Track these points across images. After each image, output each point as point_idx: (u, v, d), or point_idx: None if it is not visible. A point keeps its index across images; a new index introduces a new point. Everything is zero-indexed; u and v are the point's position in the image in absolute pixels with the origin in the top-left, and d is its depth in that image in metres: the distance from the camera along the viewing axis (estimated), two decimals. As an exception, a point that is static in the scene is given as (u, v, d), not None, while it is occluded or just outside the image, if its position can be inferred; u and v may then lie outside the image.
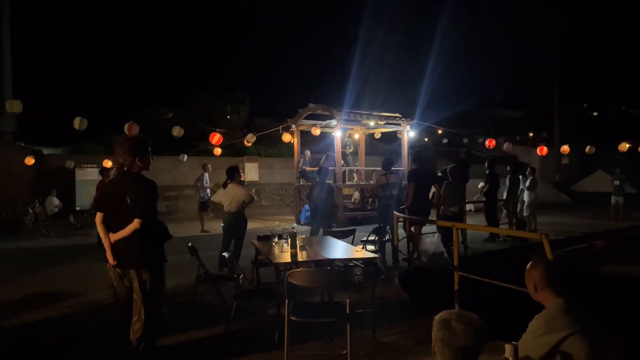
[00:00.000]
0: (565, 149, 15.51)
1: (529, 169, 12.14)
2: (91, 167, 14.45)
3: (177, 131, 12.32)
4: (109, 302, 5.33)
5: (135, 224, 3.60)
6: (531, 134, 29.38)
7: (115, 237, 3.66)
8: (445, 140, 20.70)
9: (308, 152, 15.06)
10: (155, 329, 3.80)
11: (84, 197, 14.00)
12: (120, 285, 3.77)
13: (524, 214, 11.62)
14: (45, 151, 17.03)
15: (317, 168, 11.25)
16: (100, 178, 10.20)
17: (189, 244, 5.27)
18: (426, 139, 22.62)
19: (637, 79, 40.79)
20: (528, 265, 2.65)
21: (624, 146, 12.32)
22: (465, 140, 20.63)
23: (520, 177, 11.66)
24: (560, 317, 2.41)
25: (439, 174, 9.89)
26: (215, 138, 13.32)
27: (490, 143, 15.01)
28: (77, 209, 14.04)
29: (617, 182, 14.61)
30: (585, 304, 2.54)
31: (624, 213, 14.16)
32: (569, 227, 12.47)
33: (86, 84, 24.69)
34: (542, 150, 15.20)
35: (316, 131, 14.03)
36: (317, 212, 8.14)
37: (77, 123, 9.98)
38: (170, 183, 15.97)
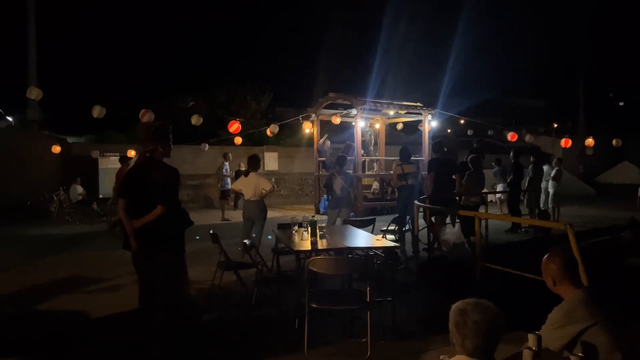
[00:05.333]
0: (589, 141, 15.18)
1: (555, 160, 11.95)
2: (114, 156, 14.63)
3: (195, 119, 12.35)
4: (132, 287, 5.42)
5: (159, 210, 3.63)
6: (555, 125, 28.83)
7: (138, 223, 3.69)
8: (470, 132, 20.44)
9: (328, 142, 15.02)
10: (183, 314, 3.84)
11: (107, 185, 14.23)
12: (141, 270, 3.81)
13: (549, 205, 11.46)
14: (70, 140, 17.36)
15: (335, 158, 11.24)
16: (120, 166, 10.38)
17: (211, 231, 5.32)
18: (449, 130, 22.40)
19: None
20: (544, 258, 2.60)
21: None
22: (491, 132, 20.34)
23: (545, 167, 11.48)
24: (580, 309, 2.38)
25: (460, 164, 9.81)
26: (234, 127, 13.35)
27: (512, 137, 14.77)
28: (100, 196, 14.29)
29: (644, 173, 14.29)
30: (606, 295, 2.49)
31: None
32: (593, 218, 12.25)
33: (110, 73, 25.02)
34: (567, 143, 14.91)
35: (336, 120, 13.98)
36: (336, 201, 8.13)
37: (97, 111, 10.10)
38: (192, 172, 16.14)
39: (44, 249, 8.88)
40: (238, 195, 14.04)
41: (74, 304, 5.37)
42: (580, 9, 26.53)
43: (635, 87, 40.31)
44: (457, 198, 9.04)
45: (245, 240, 5.41)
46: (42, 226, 11.88)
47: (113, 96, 19.57)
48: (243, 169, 13.72)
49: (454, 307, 2.04)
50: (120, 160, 10.43)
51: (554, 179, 11.37)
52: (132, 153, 13.09)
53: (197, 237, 8.04)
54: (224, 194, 13.16)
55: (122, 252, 3.84)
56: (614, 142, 13.96)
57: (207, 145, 15.10)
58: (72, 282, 6.37)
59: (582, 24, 26.47)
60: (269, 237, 7.42)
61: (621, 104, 43.25)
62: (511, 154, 10.63)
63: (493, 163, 12.69)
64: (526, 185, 10.66)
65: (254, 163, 7.19)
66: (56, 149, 13.98)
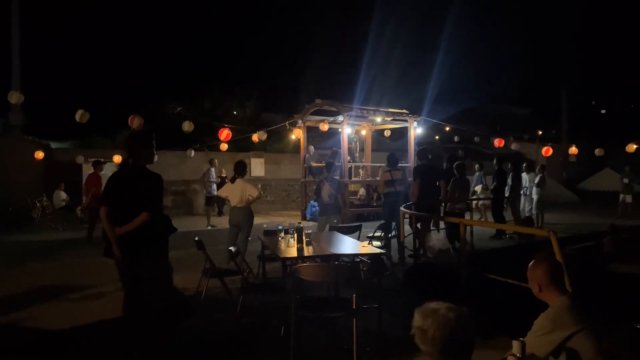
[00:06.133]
0: (573, 150, 15.41)
1: (539, 167, 12.09)
2: (103, 161, 14.51)
3: (187, 126, 12.23)
4: (116, 295, 5.35)
5: (144, 216, 3.61)
6: (540, 132, 29.22)
7: (121, 230, 3.66)
8: (456, 139, 20.62)
9: (312, 148, 15.05)
10: (169, 318, 3.82)
11: (92, 191, 14.04)
12: (126, 278, 3.78)
13: (533, 212, 11.57)
14: (53, 145, 17.14)
15: (322, 164, 11.27)
16: (92, 170, 10.29)
17: (196, 238, 5.28)
18: (437, 137, 22.58)
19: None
20: (530, 265, 2.62)
21: (632, 147, 12.23)
22: (477, 139, 20.55)
23: (528, 175, 11.61)
24: (566, 315, 2.40)
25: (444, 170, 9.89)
26: (224, 134, 13.27)
27: (499, 143, 14.94)
28: (85, 203, 14.09)
29: (626, 180, 14.51)
30: (591, 301, 2.52)
31: (632, 211, 14.06)
32: (576, 225, 12.40)
33: (95, 78, 24.81)
34: (548, 151, 15.14)
35: (324, 127, 14.02)
36: (325, 208, 8.14)
37: (79, 116, 9.97)
38: (178, 178, 16.03)
39: (26, 256, 8.74)
40: (222, 201, 13.97)
41: (56, 312, 5.29)
42: (564, 19, 27.00)
43: (617, 95, 41.08)
44: (443, 205, 9.11)
45: (231, 247, 5.38)
46: (24, 232, 11.70)
47: (99, 101, 19.42)
48: (224, 174, 13.63)
49: (419, 309, 2.00)
50: (93, 165, 10.34)
51: (537, 185, 11.49)
52: (117, 158, 12.98)
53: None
54: (210, 200, 13.09)
55: (105, 258, 3.80)
56: (596, 151, 14.18)
57: (193, 151, 15.04)
58: (55, 289, 6.26)
59: (566, 34, 26.93)
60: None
61: (603, 111, 44.00)
62: (494, 160, 10.74)
63: (476, 167, 12.87)
64: (507, 192, 10.74)
65: (241, 169, 7.17)
66: (39, 155, 13.81)
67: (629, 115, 41.87)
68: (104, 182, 10.07)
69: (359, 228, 6.79)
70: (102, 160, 10.93)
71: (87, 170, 14.58)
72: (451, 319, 1.89)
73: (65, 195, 13.70)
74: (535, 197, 11.56)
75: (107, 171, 12.86)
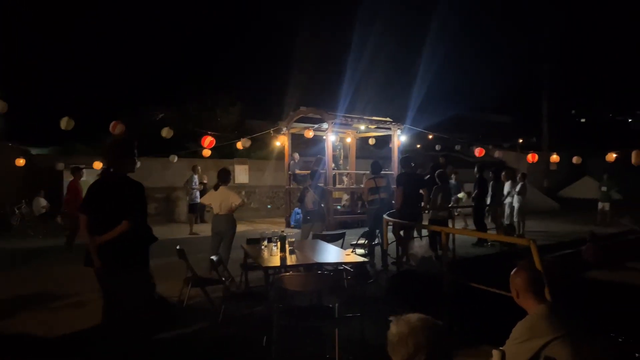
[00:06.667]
0: (554, 158, 15.66)
1: (520, 175, 12.22)
2: (82, 167, 14.33)
3: (166, 132, 12.20)
4: (96, 304, 5.28)
5: (124, 225, 3.58)
6: (521, 140, 29.64)
7: (102, 239, 3.63)
8: (438, 147, 20.81)
9: (297, 155, 15.07)
10: (149, 327, 3.78)
11: (73, 198, 13.85)
12: (106, 287, 3.74)
13: (514, 219, 11.70)
14: (34, 151, 16.88)
15: (307, 172, 11.27)
16: (72, 178, 10.17)
17: (177, 247, 5.24)
18: (418, 145, 22.75)
19: (623, 87, 41.45)
20: (512, 272, 2.70)
21: (611, 156, 12.46)
22: (458, 147, 20.76)
23: (509, 182, 11.75)
24: (543, 323, 2.44)
25: (426, 178, 9.96)
26: (207, 141, 13.21)
27: (480, 153, 15.11)
28: (65, 210, 13.89)
29: (604, 188, 14.77)
30: (568, 309, 2.57)
31: (610, 219, 14.30)
32: (557, 232, 12.57)
33: (77, 84, 24.52)
34: (534, 158, 15.33)
35: (309, 134, 14.05)
36: (309, 216, 8.14)
37: (64, 123, 9.86)
38: (160, 184, 15.87)
39: (4, 264, 8.58)
40: (203, 208, 13.87)
41: (35, 321, 5.18)
42: (545, 30, 27.52)
43: (596, 105, 41.92)
44: (426, 212, 9.18)
45: (213, 257, 5.35)
46: (3, 240, 11.49)
47: (81, 107, 19.19)
48: (206, 181, 13.50)
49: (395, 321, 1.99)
50: (73, 172, 10.22)
51: (519, 193, 11.62)
52: (98, 165, 12.82)
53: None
54: (193, 207, 12.99)
55: (85, 267, 3.75)
56: (574, 159, 14.41)
57: (175, 157, 14.87)
58: (34, 298, 6.16)
59: (547, 45, 27.43)
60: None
61: (582, 120, 44.85)
62: (475, 168, 10.83)
63: (452, 179, 13.03)
64: (488, 201, 10.84)
65: (224, 177, 7.13)
66: (20, 161, 13.57)
67: (607, 124, 42.79)
68: (83, 188, 10.04)
69: (342, 236, 6.81)
70: (81, 166, 10.76)
71: (68, 177, 14.41)
72: (427, 333, 1.88)
73: (45, 202, 13.48)
74: (516, 205, 11.68)
75: (89, 178, 12.74)
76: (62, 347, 4.54)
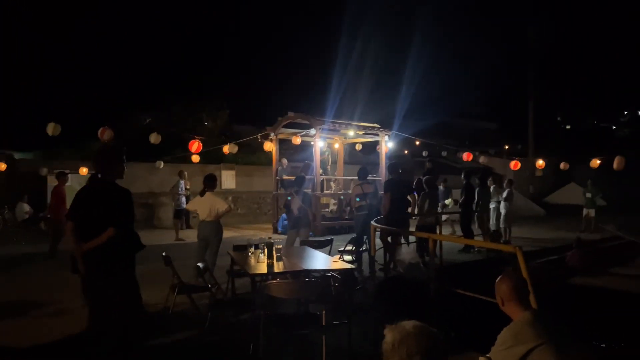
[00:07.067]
0: (540, 163, 15.81)
1: (506, 181, 12.31)
2: (66, 172, 14.15)
3: (154, 138, 12.07)
4: (81, 311, 5.20)
5: (110, 232, 3.54)
6: (507, 146, 29.93)
7: (87, 246, 3.58)
8: (425, 153, 20.94)
9: (285, 161, 15.05)
10: (133, 335, 3.73)
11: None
12: (91, 294, 3.69)
13: (501, 226, 11.76)
14: (17, 156, 16.64)
15: (294, 177, 11.25)
16: (57, 183, 10.05)
17: (163, 254, 5.19)
18: (406, 151, 22.87)
19: (607, 94, 42.17)
20: (497, 280, 2.71)
21: (595, 162, 12.63)
22: (444, 153, 20.89)
23: (493, 187, 11.83)
24: (527, 330, 2.46)
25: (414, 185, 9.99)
26: (195, 146, 13.10)
27: (467, 157, 15.21)
28: (48, 215, 13.71)
29: (588, 195, 14.93)
30: (553, 315, 2.59)
31: (595, 225, 14.45)
32: (542, 238, 12.68)
33: (62, 88, 24.28)
34: (516, 165, 15.48)
35: (297, 140, 14.04)
36: (294, 222, 8.11)
37: (51, 129, 9.74)
38: (146, 190, 15.74)
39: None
40: (188, 213, 13.69)
41: (17, 330, 5.09)
42: (530, 37, 27.90)
43: (580, 111, 42.53)
44: (413, 218, 9.20)
45: (199, 264, 5.30)
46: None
47: (66, 111, 18.99)
48: (188, 186, 13.32)
49: (388, 330, 1.98)
50: (57, 177, 10.10)
51: (505, 199, 11.69)
52: (84, 170, 12.68)
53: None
54: (179, 213, 12.88)
55: (69, 273, 3.70)
56: (561, 165, 14.56)
57: (162, 163, 14.74)
58: (16, 305, 6.04)
59: (532, 52, 27.80)
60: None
61: (568, 127, 45.41)
62: (462, 175, 10.89)
63: (441, 185, 13.10)
64: (475, 207, 10.90)
65: (210, 182, 7.08)
66: (2, 166, 13.38)
67: (591, 131, 43.38)
68: (68, 193, 9.91)
69: (330, 242, 6.79)
70: (66, 171, 10.62)
71: (53, 182, 14.22)
72: (420, 340, 1.88)
73: (29, 207, 13.30)
74: (503, 211, 11.76)
75: (74, 183, 12.59)
76: (45, 356, 4.45)
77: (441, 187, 12.69)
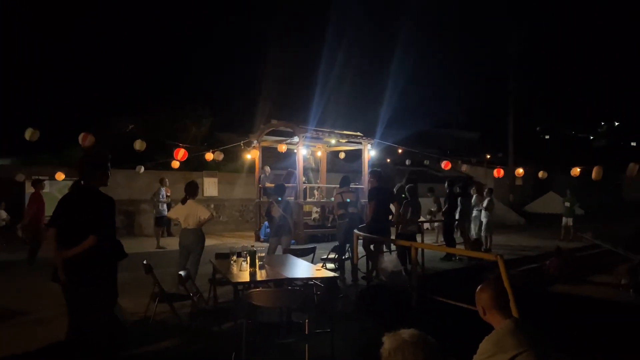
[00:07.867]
0: (519, 171, 16.06)
1: (486, 190, 12.45)
2: (43, 179, 13.89)
3: (139, 145, 11.69)
4: (60, 320, 5.10)
5: (91, 240, 3.49)
6: (488, 156, 30.31)
7: (67, 253, 3.53)
8: (408, 162, 21.09)
9: (268, 168, 15.02)
10: (112, 345, 3.68)
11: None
12: (71, 302, 3.63)
13: (482, 234, 11.88)
14: (-6, 162, 16.34)
15: (272, 185, 11.24)
16: (33, 190, 9.89)
17: (144, 262, 5.13)
18: (388, 160, 23.01)
19: (585, 105, 43.06)
20: (477, 289, 2.71)
21: (576, 171, 12.86)
22: (427, 162, 21.06)
23: (475, 196, 11.96)
24: (508, 338, 2.47)
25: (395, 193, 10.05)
26: (180, 154, 12.85)
27: (446, 166, 15.37)
28: (25, 222, 13.43)
29: (567, 204, 15.19)
30: (533, 324, 2.61)
31: (573, 234, 14.68)
32: (523, 246, 12.84)
33: (42, 93, 23.93)
34: (500, 173, 15.67)
35: (282, 148, 14.04)
36: (276, 230, 8.08)
37: (29, 134, 9.57)
38: (126, 197, 15.52)
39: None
40: (169, 221, 13.51)
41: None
42: (510, 48, 28.42)
43: (559, 122, 43.32)
44: (395, 227, 9.24)
45: (181, 272, 5.25)
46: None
47: (44, 116, 18.72)
48: (168, 193, 13.17)
49: (388, 338, 2.02)
50: (33, 184, 9.93)
51: (486, 209, 11.82)
52: (61, 176, 12.48)
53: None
54: (160, 220, 12.72)
55: (48, 282, 3.63)
56: (539, 174, 14.79)
57: (142, 168, 14.46)
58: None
59: (512, 62, 28.31)
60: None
61: (547, 137, 46.23)
62: (446, 184, 10.99)
63: (428, 194, 13.19)
64: (457, 216, 10.99)
65: (192, 190, 7.02)
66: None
67: (570, 141, 44.22)
68: (47, 200, 9.72)
69: (313, 250, 6.78)
70: (41, 178, 10.45)
71: (30, 188, 13.95)
72: (416, 349, 1.89)
73: (6, 214, 13.04)
74: (484, 219, 11.88)
75: (53, 190, 12.39)
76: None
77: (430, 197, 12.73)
